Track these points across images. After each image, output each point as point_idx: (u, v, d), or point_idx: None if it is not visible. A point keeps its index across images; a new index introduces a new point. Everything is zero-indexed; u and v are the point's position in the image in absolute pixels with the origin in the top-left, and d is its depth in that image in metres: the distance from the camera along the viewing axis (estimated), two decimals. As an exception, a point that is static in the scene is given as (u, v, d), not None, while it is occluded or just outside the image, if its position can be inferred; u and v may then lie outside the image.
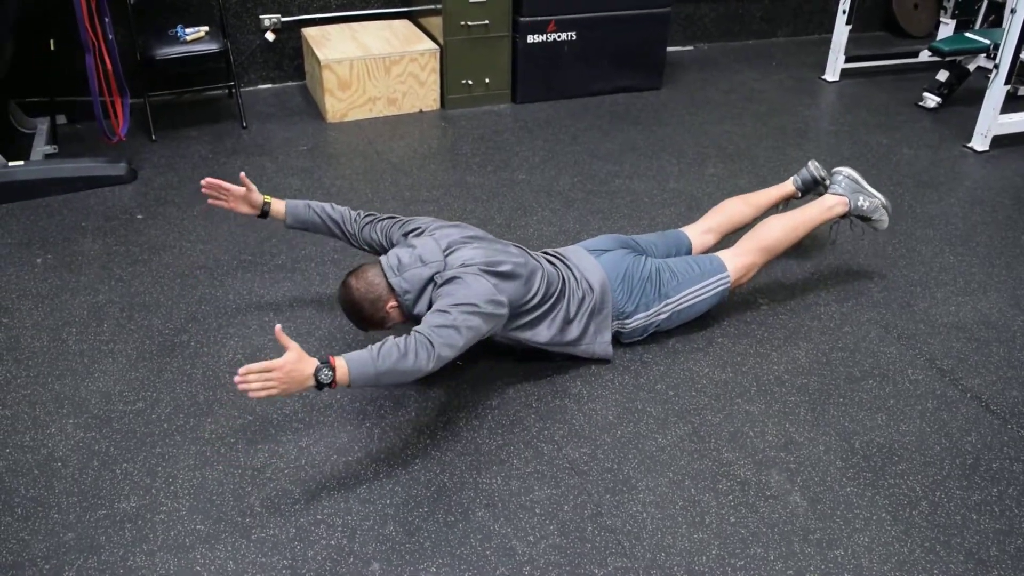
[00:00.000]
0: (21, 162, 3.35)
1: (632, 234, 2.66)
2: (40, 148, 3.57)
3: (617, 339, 2.46)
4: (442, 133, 4.04)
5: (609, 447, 2.14)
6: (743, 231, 2.68)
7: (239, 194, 2.38)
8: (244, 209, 2.41)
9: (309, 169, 3.60)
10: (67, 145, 3.72)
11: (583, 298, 2.33)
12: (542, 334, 2.27)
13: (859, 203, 2.72)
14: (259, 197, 2.40)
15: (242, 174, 2.37)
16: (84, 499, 1.95)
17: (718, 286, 2.49)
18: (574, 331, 2.31)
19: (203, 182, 2.37)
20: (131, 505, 1.94)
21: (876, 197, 2.74)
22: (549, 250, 2.49)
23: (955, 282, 2.89)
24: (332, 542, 1.86)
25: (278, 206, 2.41)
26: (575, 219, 3.24)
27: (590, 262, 2.41)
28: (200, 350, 2.45)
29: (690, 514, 1.95)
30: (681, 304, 2.45)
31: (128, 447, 2.10)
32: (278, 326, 1.83)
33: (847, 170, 2.79)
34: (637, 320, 2.42)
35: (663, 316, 2.44)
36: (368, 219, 2.39)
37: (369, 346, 1.90)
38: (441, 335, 1.95)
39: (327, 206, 2.42)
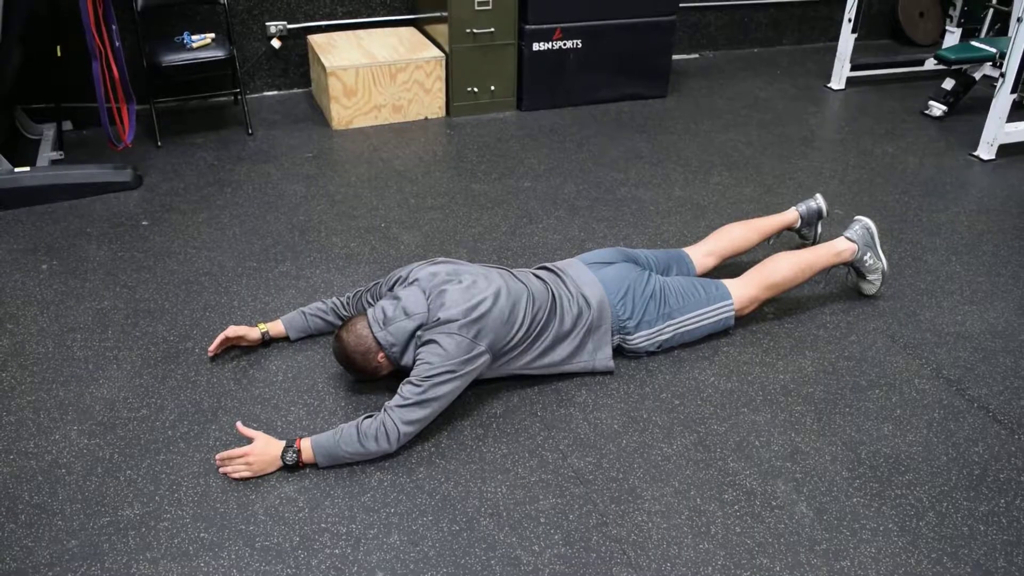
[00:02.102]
0: (27, 168, 3.36)
1: (636, 243, 2.65)
2: (46, 154, 3.59)
3: (620, 352, 2.45)
4: (447, 140, 4.05)
5: (614, 456, 2.13)
6: (744, 256, 2.68)
7: (235, 339, 2.44)
8: (247, 344, 2.48)
9: (314, 176, 3.61)
10: (73, 151, 3.73)
11: (579, 314, 2.32)
12: (535, 361, 2.28)
13: (865, 257, 2.70)
14: (255, 333, 2.45)
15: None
16: (88, 506, 1.95)
17: (721, 313, 2.49)
18: (567, 348, 2.31)
19: (209, 352, 2.41)
20: (135, 512, 1.93)
21: (881, 261, 2.72)
22: (548, 264, 2.49)
23: (961, 291, 2.87)
24: (336, 551, 1.85)
25: (276, 328, 2.48)
26: (580, 227, 3.23)
27: (588, 277, 2.40)
28: (205, 357, 2.45)
29: (696, 524, 1.94)
30: (683, 327, 2.46)
31: (132, 454, 2.10)
32: (238, 422, 2.08)
33: (868, 221, 2.73)
34: (639, 339, 2.41)
35: (665, 336, 2.44)
36: (356, 293, 2.47)
37: (339, 426, 2.06)
38: (407, 416, 2.05)
39: (318, 304, 2.51)
